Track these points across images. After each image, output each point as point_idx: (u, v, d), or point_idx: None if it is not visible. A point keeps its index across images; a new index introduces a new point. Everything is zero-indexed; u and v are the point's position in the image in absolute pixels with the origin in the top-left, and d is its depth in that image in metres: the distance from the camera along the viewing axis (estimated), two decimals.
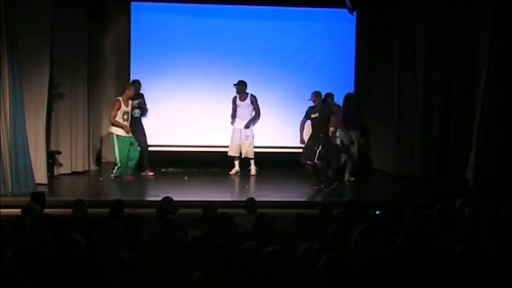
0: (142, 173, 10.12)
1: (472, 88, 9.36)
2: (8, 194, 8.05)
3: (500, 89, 8.57)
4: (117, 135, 9.60)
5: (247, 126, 10.25)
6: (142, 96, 10.19)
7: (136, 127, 10.02)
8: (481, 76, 8.90)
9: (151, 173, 10.16)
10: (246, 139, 10.32)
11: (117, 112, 9.58)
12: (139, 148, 9.80)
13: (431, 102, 10.26)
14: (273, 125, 10.74)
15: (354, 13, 10.69)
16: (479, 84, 8.98)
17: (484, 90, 8.65)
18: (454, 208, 6.13)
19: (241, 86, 10.24)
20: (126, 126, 9.61)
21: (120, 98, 9.70)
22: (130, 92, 9.72)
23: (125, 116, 9.66)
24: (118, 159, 9.64)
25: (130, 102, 9.77)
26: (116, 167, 9.68)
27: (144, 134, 10.22)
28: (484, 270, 3.84)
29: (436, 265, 4.11)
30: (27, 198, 6.57)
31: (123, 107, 9.64)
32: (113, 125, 9.60)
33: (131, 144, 9.71)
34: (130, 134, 9.73)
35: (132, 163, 9.74)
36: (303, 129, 9.47)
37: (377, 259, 3.95)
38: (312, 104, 9.19)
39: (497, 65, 8.53)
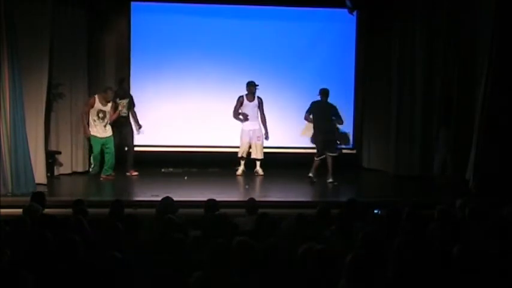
0: (127, 173, 10.16)
1: (472, 88, 9.35)
2: (8, 194, 8.05)
3: (500, 89, 8.56)
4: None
5: (266, 138, 10.39)
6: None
7: (122, 126, 10.09)
8: (481, 76, 8.89)
9: (135, 173, 10.16)
10: (258, 140, 10.36)
11: (89, 108, 9.63)
12: (112, 151, 9.79)
13: (431, 102, 10.26)
14: (271, 125, 10.71)
15: (354, 13, 10.71)
16: (479, 84, 8.98)
17: (484, 91, 8.65)
18: (454, 208, 6.13)
19: (254, 87, 10.26)
20: (86, 130, 9.67)
21: (96, 96, 9.75)
22: (107, 95, 9.70)
23: (100, 115, 9.68)
24: (92, 157, 9.77)
25: (109, 104, 9.73)
26: (92, 166, 9.82)
27: (132, 134, 10.31)
28: (483, 270, 3.84)
29: (436, 265, 4.11)
30: (27, 198, 6.58)
31: (99, 105, 9.65)
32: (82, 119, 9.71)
33: (103, 145, 9.74)
34: (103, 136, 9.74)
35: (106, 165, 9.78)
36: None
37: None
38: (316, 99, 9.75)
39: (497, 65, 8.52)
